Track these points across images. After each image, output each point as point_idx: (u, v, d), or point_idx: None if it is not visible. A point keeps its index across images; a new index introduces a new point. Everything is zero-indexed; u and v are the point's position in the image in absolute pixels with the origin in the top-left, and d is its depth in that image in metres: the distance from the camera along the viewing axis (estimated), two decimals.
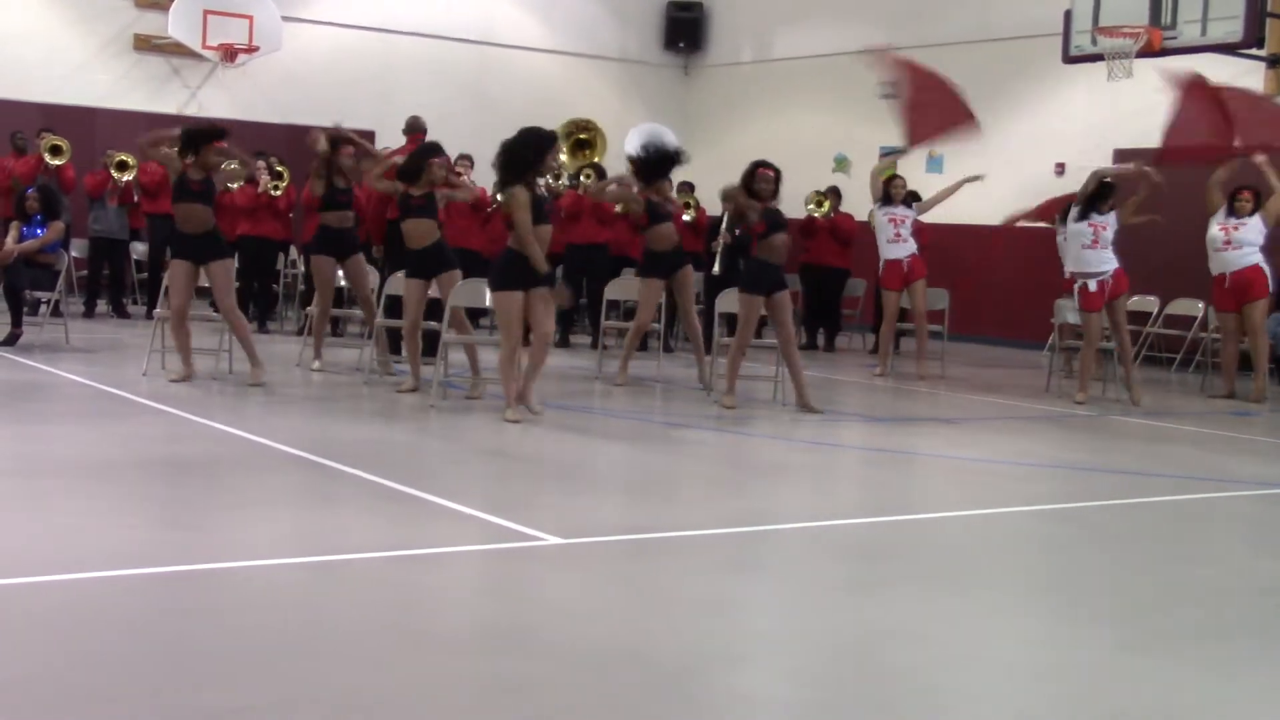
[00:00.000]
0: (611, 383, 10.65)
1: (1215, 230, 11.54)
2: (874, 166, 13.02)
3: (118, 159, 14.22)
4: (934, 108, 11.22)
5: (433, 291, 9.61)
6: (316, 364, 10.45)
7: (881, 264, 12.66)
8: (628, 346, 10.85)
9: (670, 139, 16.88)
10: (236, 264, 10.90)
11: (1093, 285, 10.86)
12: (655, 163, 10.95)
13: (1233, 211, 11.50)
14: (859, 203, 16.20)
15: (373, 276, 10.99)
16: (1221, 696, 3.99)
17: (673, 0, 20.68)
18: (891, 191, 12.56)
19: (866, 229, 15.42)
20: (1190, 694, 3.99)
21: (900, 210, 12.53)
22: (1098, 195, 10.82)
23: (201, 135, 9.34)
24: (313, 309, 10.85)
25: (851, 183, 17.89)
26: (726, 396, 9.58)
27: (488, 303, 9.67)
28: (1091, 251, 10.84)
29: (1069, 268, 11.20)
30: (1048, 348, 13.22)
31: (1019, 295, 16.08)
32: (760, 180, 9.44)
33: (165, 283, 9.57)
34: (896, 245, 12.47)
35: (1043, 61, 15.50)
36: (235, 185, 13.62)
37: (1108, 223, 10.90)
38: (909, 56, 11.75)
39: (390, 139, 14.46)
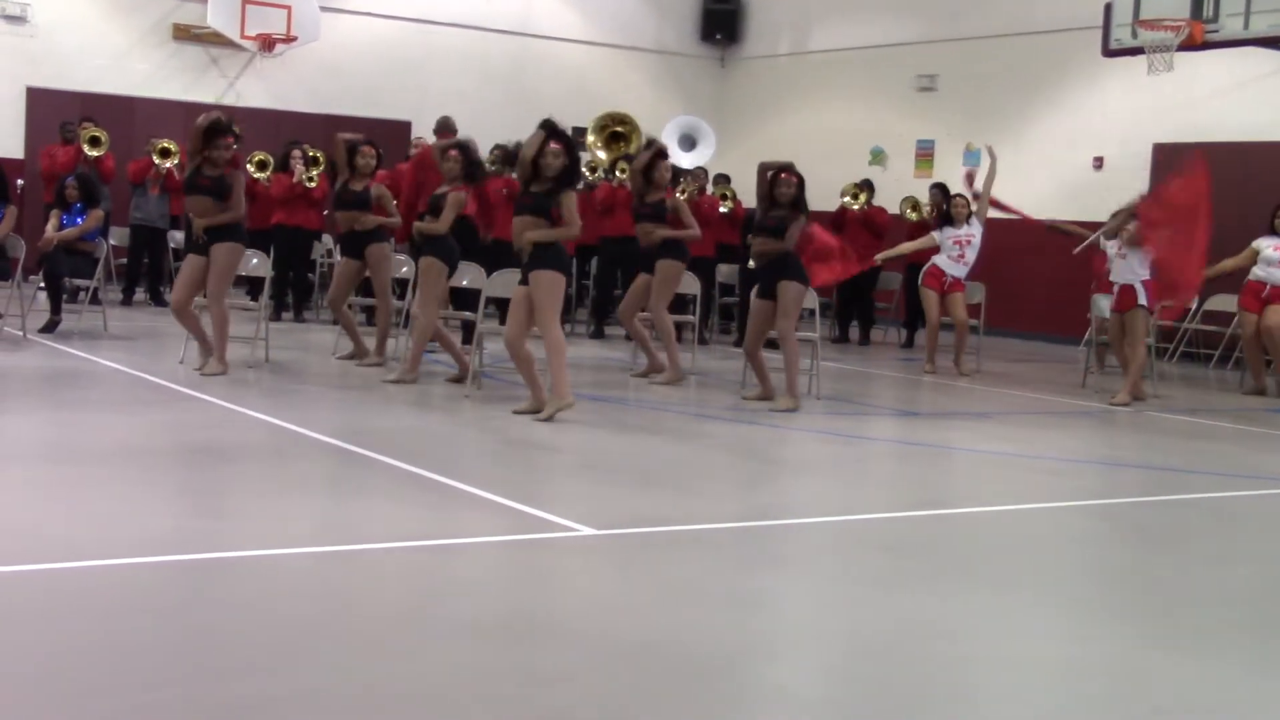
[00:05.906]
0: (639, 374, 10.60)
1: (1270, 250, 11.66)
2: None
3: (160, 145, 14.31)
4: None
5: (467, 281, 9.64)
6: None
7: (928, 264, 12.57)
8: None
9: (706, 131, 16.94)
10: (272, 254, 10.94)
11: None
12: None
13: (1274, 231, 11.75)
14: (893, 196, 16.14)
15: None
16: (1258, 695, 3.95)
17: None
18: (953, 213, 12.45)
19: (900, 222, 15.36)
20: (1226, 692, 3.95)
21: (964, 231, 12.37)
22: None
23: (211, 130, 9.21)
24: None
25: (886, 176, 17.82)
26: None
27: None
28: (1122, 262, 10.86)
29: (1113, 277, 11.10)
30: (1084, 343, 13.13)
31: (1055, 290, 15.96)
32: (782, 185, 9.30)
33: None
34: (956, 265, 12.37)
35: (1082, 55, 15.37)
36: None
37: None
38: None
39: (426, 130, 14.50)
